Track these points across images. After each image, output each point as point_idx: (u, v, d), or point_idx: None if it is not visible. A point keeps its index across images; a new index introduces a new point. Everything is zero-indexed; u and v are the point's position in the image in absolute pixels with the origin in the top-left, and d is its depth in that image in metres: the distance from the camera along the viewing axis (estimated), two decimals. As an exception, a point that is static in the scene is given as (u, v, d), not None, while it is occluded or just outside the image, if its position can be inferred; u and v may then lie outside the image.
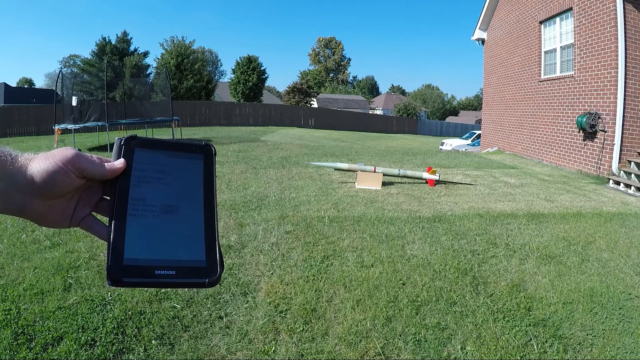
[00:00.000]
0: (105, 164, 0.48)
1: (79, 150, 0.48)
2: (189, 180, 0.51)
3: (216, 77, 45.52)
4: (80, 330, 2.40)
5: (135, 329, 2.46)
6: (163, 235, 0.47)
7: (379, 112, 54.26)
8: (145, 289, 2.84)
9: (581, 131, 8.54)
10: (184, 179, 0.51)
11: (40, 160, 0.46)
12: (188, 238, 0.48)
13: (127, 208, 0.46)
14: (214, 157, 0.53)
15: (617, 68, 7.53)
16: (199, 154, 0.53)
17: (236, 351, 2.37)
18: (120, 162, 0.48)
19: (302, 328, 2.59)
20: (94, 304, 2.66)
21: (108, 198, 0.50)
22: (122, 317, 2.54)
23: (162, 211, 0.48)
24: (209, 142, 0.54)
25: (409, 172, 6.49)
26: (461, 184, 6.76)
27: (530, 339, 2.56)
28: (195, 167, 0.52)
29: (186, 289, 2.87)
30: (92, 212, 0.52)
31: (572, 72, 8.92)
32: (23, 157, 0.47)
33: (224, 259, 3.38)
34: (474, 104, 72.38)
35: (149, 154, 0.50)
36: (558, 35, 9.59)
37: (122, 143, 0.50)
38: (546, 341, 2.56)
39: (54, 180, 0.46)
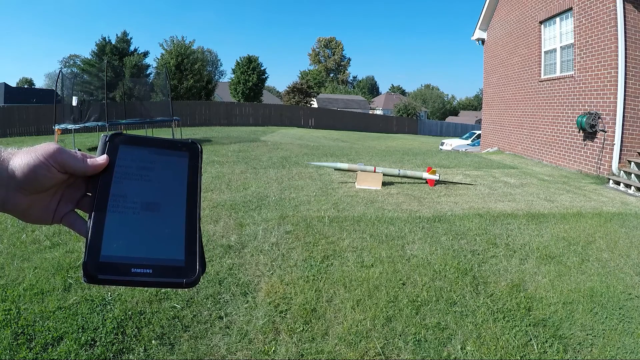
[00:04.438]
0: (88, 159, 0.48)
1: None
2: (173, 178, 0.50)
3: (216, 77, 45.54)
4: (80, 330, 2.41)
5: (135, 329, 2.47)
6: (142, 233, 0.46)
7: (379, 112, 54.27)
8: (145, 288, 2.84)
9: (581, 131, 8.54)
10: (167, 177, 0.50)
11: (22, 154, 0.46)
12: (168, 236, 0.47)
13: (107, 204, 0.46)
14: (200, 155, 0.53)
15: (617, 68, 7.52)
16: (185, 151, 0.52)
17: (236, 351, 2.37)
18: (102, 158, 0.48)
19: (302, 328, 2.59)
20: (94, 304, 2.66)
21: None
22: (122, 317, 2.54)
23: (143, 208, 0.47)
24: (195, 139, 0.53)
25: (409, 172, 6.49)
26: (461, 184, 6.76)
27: (530, 339, 2.56)
28: (180, 165, 0.51)
29: (185, 289, 2.88)
30: (75, 209, 0.51)
31: (572, 72, 8.92)
32: (5, 152, 0.46)
33: (228, 260, 3.38)
34: (474, 104, 72.34)
35: (133, 151, 0.50)
36: (558, 35, 9.59)
37: (106, 139, 0.49)
38: (546, 341, 2.56)
39: (35, 174, 0.45)
